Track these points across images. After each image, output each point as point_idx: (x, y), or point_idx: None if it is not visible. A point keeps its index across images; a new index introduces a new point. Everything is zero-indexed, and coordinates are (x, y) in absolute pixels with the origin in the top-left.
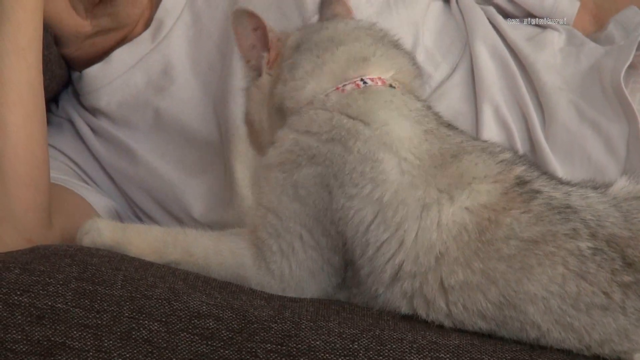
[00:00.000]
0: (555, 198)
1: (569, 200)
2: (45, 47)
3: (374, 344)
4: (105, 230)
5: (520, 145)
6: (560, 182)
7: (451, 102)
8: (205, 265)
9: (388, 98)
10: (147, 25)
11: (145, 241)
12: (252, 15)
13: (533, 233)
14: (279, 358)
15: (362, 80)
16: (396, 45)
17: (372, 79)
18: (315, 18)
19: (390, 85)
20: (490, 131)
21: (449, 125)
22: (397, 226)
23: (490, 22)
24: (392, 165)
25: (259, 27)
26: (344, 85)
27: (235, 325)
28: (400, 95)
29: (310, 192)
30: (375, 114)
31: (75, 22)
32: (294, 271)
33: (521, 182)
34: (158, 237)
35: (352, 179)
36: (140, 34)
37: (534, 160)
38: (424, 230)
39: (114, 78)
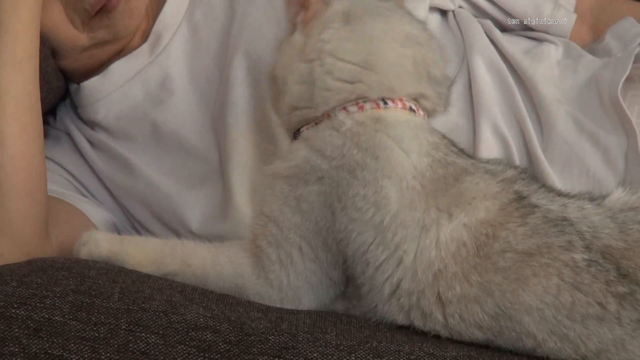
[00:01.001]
0: (552, 211)
1: (566, 212)
2: (43, 59)
3: (371, 356)
4: (102, 242)
5: (518, 159)
6: (558, 194)
7: (449, 116)
8: (203, 276)
9: (399, 132)
10: (144, 38)
11: (143, 251)
12: None
13: (528, 245)
14: None
15: (383, 100)
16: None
17: (393, 100)
18: None
19: (410, 108)
20: (488, 145)
21: (460, 152)
22: (395, 247)
23: (488, 36)
24: (394, 190)
25: None
26: (365, 101)
27: (233, 338)
28: (414, 127)
29: (313, 208)
30: (384, 149)
31: (72, 34)
32: (292, 282)
33: (519, 197)
34: (156, 247)
35: (355, 203)
36: (137, 46)
37: (533, 173)
38: (422, 249)
39: (111, 91)
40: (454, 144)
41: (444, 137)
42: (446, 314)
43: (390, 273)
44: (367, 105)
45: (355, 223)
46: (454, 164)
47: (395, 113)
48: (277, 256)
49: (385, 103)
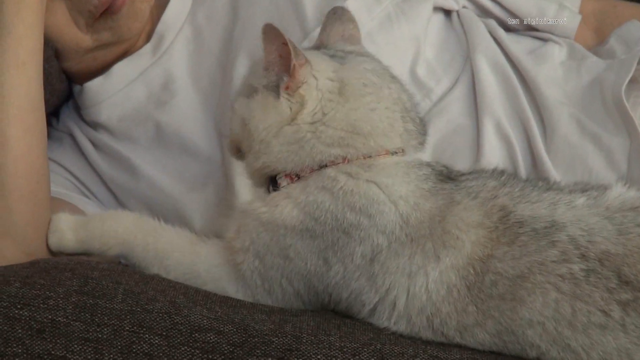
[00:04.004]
0: (539, 218)
1: (555, 214)
2: (46, 60)
3: (375, 358)
4: (68, 233)
5: (522, 159)
6: (546, 188)
7: (452, 117)
8: (181, 280)
9: (390, 178)
10: (147, 39)
11: (111, 232)
12: (278, 36)
13: (519, 268)
14: None
15: (369, 155)
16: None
17: (378, 153)
18: (316, 32)
19: (394, 152)
20: (491, 145)
21: (449, 176)
22: (386, 292)
23: (492, 36)
24: (385, 243)
25: (284, 48)
26: (352, 156)
27: (236, 339)
28: (404, 166)
29: (301, 256)
30: (376, 205)
31: (75, 36)
32: (275, 303)
33: (505, 215)
34: (126, 235)
35: (354, 260)
36: (140, 47)
37: (535, 174)
38: (413, 296)
39: (114, 92)
40: (444, 168)
41: (432, 165)
42: (448, 337)
43: (386, 317)
44: (354, 158)
45: (354, 273)
46: (442, 190)
47: (385, 159)
48: (260, 283)
49: (370, 156)
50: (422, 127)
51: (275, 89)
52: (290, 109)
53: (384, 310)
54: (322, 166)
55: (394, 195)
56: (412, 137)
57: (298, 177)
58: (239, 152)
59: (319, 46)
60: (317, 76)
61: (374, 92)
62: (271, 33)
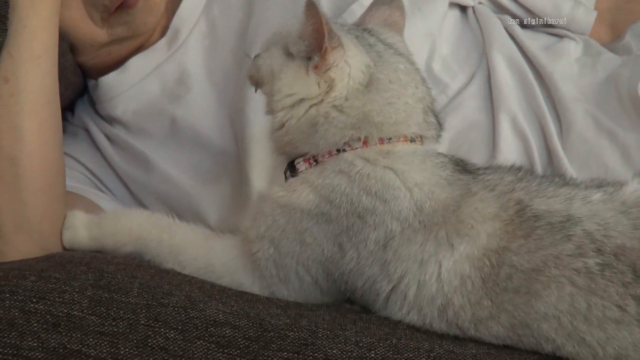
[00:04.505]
0: (555, 212)
1: (571, 209)
2: (61, 55)
3: (391, 352)
4: (81, 230)
5: (538, 155)
6: (562, 183)
7: (467, 112)
8: (196, 274)
9: (407, 165)
10: (163, 34)
11: (125, 229)
12: (316, 14)
13: (534, 262)
14: None
15: (388, 138)
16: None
17: (397, 138)
18: None
19: (412, 140)
20: (507, 141)
21: (465, 168)
22: (398, 280)
23: (507, 32)
24: (399, 229)
25: (320, 26)
26: (367, 138)
27: (252, 334)
28: (421, 154)
29: (317, 241)
30: (392, 190)
31: (91, 31)
32: (292, 294)
33: (521, 209)
34: (140, 232)
35: (367, 246)
36: (155, 41)
37: (551, 170)
38: (423, 284)
39: (129, 86)
40: (460, 160)
41: (449, 156)
42: (462, 329)
43: (399, 306)
44: (371, 142)
45: (367, 260)
46: (459, 181)
47: (403, 146)
48: (275, 272)
49: (389, 139)
50: (439, 123)
51: (306, 61)
52: (319, 85)
53: (396, 300)
54: (340, 150)
55: (410, 182)
56: (432, 128)
57: (316, 161)
58: (257, 84)
59: (360, 25)
60: (351, 63)
61: (397, 89)
62: (311, 9)
